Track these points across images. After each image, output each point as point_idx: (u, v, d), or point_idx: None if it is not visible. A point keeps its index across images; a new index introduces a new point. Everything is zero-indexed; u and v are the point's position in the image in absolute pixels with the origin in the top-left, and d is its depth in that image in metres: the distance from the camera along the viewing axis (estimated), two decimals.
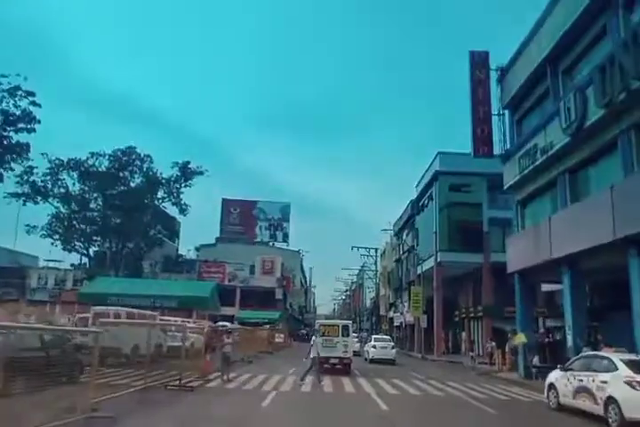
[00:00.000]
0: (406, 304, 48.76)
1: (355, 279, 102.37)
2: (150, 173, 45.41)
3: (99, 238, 47.53)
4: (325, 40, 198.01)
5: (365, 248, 66.44)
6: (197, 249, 75.22)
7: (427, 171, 39.24)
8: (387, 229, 40.69)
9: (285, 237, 75.02)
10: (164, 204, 47.60)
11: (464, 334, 38.28)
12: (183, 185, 47.18)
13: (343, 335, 20.11)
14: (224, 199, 76.07)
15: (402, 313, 49.94)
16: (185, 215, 47.47)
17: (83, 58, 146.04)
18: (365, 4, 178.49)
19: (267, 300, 57.50)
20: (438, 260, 35.56)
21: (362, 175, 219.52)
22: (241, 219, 74.99)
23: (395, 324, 53.55)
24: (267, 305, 56.56)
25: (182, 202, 46.91)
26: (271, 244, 73.94)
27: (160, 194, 47.01)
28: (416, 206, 44.28)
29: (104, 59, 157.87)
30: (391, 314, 56.64)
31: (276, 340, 35.60)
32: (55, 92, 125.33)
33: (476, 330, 36.40)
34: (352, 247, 65.65)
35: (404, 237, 49.05)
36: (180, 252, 78.97)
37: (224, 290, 61.18)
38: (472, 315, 36.75)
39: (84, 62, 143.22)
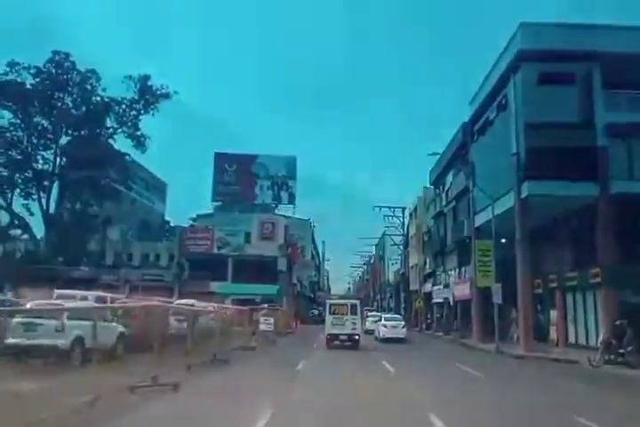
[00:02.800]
0: (453, 273, 35.74)
1: (373, 252, 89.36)
2: (89, 88, 32.13)
3: (32, 191, 34.78)
4: (331, 15, 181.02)
5: (389, 207, 53.41)
6: (194, 220, 62.96)
7: (496, 63, 25.45)
8: (435, 153, 26.29)
9: (292, 198, 61.85)
10: (115, 136, 34.47)
11: (554, 314, 25.14)
12: (142, 111, 33.96)
13: (352, 313, 20.93)
14: (217, 153, 62.81)
15: (446, 286, 36.92)
16: (143, 152, 34.41)
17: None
18: None
19: (266, 272, 44.62)
20: (523, 194, 22.18)
21: (375, 155, 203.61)
22: (238, 177, 61.88)
23: (434, 300, 40.52)
24: (267, 279, 43.83)
25: (140, 133, 33.77)
26: (274, 206, 60.84)
27: (109, 123, 33.90)
28: (470, 131, 30.71)
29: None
30: (428, 288, 43.57)
31: (262, 327, 22.13)
32: None
33: (582, 307, 23.14)
34: (374, 207, 52.90)
35: (450, 181, 35.67)
36: (170, 221, 67.34)
37: (211, 261, 48.94)
38: (573, 283, 23.43)
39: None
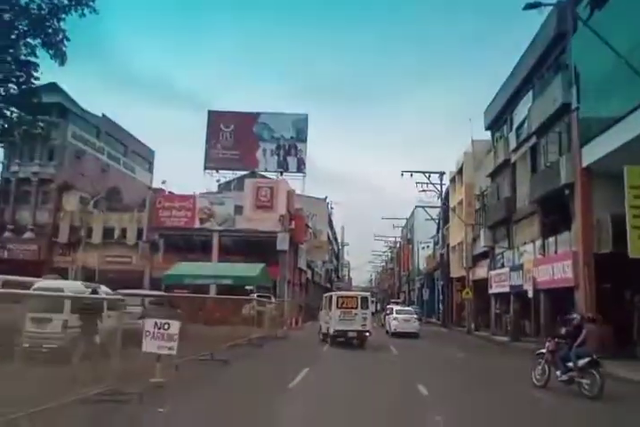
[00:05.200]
0: (529, 248, 24.07)
1: (400, 236, 77.38)
2: None
3: None
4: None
5: (424, 172, 41.53)
6: None
7: None
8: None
9: (301, 165, 50.35)
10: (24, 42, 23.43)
11: None
12: (66, 8, 22.83)
13: (362, 308, 19.40)
14: (210, 112, 51.58)
15: (515, 268, 25.18)
16: (62, 63, 23.26)
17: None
18: None
19: (262, 253, 33.43)
20: None
21: (393, 148, 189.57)
22: (235, 140, 50.60)
23: (493, 290, 28.77)
24: (264, 261, 32.61)
25: (59, 38, 22.70)
26: (278, 175, 49.30)
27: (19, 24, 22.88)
28: (572, 13, 18.76)
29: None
30: (481, 273, 31.86)
31: (147, 347, 7.61)
32: None
33: None
34: (402, 172, 40.86)
35: (527, 108, 23.83)
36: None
37: (191, 239, 37.88)
38: None
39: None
